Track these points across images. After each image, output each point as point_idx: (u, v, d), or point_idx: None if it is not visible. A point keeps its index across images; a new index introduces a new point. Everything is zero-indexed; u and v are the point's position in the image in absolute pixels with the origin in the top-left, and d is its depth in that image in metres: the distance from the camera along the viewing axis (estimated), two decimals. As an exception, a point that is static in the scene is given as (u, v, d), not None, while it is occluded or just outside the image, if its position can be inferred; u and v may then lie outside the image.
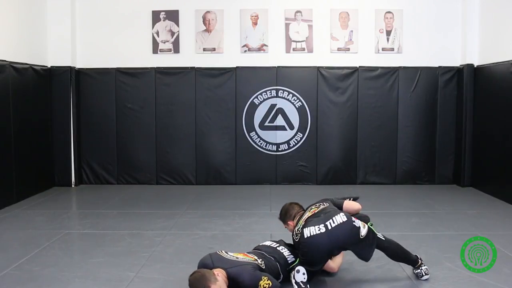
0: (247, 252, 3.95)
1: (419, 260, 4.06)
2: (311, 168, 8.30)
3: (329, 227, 3.74)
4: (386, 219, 6.03)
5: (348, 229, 3.76)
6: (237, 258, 3.76)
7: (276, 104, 8.28)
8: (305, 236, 3.76)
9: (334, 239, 3.73)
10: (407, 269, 4.24)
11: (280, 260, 3.91)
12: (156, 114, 8.27)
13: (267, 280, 3.59)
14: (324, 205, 4.04)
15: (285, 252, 4.00)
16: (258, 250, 4.01)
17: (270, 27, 8.27)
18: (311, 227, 3.77)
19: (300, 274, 3.67)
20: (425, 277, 4.01)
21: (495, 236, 5.03)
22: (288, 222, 4.20)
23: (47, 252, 4.76)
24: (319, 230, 3.74)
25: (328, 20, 8.26)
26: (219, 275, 3.53)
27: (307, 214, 3.98)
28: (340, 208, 4.08)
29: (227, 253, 3.81)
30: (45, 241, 5.10)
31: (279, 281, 3.78)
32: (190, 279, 3.45)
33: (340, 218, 3.79)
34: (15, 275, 4.15)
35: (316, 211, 3.95)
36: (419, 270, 4.03)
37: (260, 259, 3.80)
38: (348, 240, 3.77)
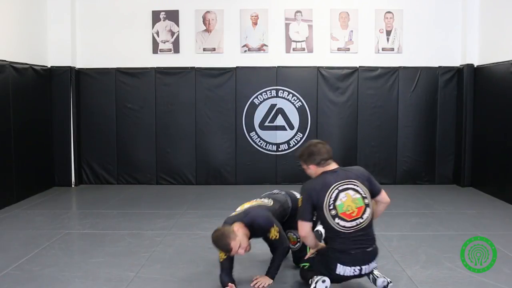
0: (256, 199, 4.14)
1: None
2: (311, 168, 8.28)
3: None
4: (386, 219, 6.02)
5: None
6: (249, 206, 3.94)
7: (276, 104, 8.28)
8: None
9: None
10: (407, 269, 4.25)
11: (290, 195, 4.14)
12: (156, 114, 8.27)
13: (276, 231, 3.73)
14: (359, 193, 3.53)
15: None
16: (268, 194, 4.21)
17: (270, 27, 8.27)
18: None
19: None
20: None
21: (495, 236, 5.03)
22: (310, 166, 3.66)
23: (47, 252, 4.76)
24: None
25: (328, 20, 8.26)
26: (239, 230, 3.68)
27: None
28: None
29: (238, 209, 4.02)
30: (45, 241, 5.10)
31: (287, 217, 4.03)
32: (212, 238, 3.69)
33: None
34: (15, 275, 4.15)
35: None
36: None
37: (268, 199, 4.05)
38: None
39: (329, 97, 8.23)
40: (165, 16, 8.28)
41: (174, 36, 8.31)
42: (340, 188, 3.49)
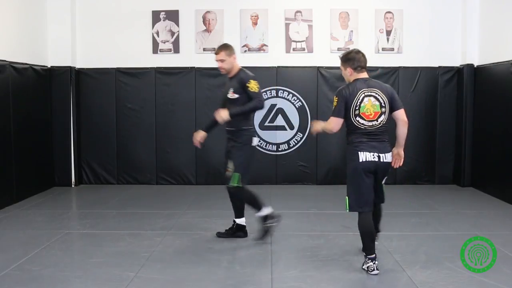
0: None
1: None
2: (311, 168, 8.29)
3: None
4: (386, 219, 5.98)
5: None
6: None
7: (276, 104, 8.28)
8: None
9: None
10: (407, 269, 4.25)
11: None
12: (156, 114, 8.27)
13: (256, 87, 4.86)
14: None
15: None
16: None
17: (270, 27, 8.27)
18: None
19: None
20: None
21: (495, 236, 5.03)
22: (348, 69, 4.35)
23: (47, 252, 4.76)
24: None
25: (328, 20, 8.26)
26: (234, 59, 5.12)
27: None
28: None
29: None
30: (45, 241, 5.09)
31: None
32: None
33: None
34: (15, 275, 4.15)
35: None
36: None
37: None
38: None
39: (329, 97, 8.20)
40: (165, 16, 8.28)
41: (174, 36, 8.31)
42: (365, 94, 4.22)
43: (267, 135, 8.29)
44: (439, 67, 8.18)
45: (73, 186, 8.19)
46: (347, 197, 4.29)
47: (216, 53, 5.08)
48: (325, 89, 8.21)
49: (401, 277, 4.09)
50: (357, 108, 4.21)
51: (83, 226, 5.82)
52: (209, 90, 8.25)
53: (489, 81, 7.53)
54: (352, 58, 4.33)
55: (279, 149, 8.33)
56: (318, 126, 4.57)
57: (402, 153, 4.33)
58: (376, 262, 4.10)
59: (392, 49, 8.27)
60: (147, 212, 6.46)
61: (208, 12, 8.27)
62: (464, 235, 5.13)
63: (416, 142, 8.24)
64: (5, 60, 6.68)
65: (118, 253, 4.76)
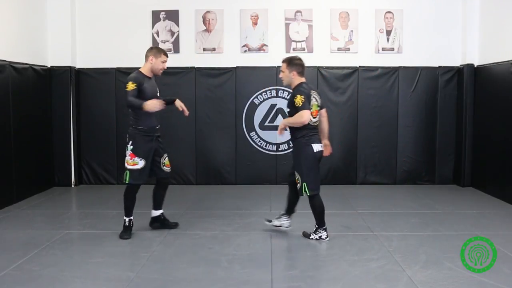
0: None
1: None
2: (311, 168, 8.28)
3: None
4: (386, 219, 6.03)
5: None
6: None
7: (276, 104, 8.27)
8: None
9: None
10: (407, 269, 4.25)
11: None
12: (155, 114, 8.25)
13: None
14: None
15: None
16: None
17: (270, 27, 8.27)
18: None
19: None
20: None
21: (495, 236, 5.03)
22: (294, 72, 4.97)
23: (47, 252, 4.76)
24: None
25: (328, 20, 8.26)
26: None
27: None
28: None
29: None
30: (45, 241, 5.10)
31: None
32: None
33: None
34: (15, 275, 4.15)
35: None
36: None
37: None
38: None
39: (329, 97, 8.22)
40: (165, 16, 8.28)
41: (174, 36, 8.31)
42: (312, 95, 4.98)
43: (267, 135, 8.29)
44: (439, 67, 8.18)
45: (73, 186, 8.19)
46: (305, 183, 4.92)
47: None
48: (325, 89, 8.20)
49: (401, 277, 4.09)
50: (311, 106, 4.92)
51: (83, 226, 5.82)
52: (209, 90, 8.26)
53: (489, 81, 7.53)
54: (299, 64, 5.01)
55: (279, 149, 8.33)
56: (282, 125, 5.09)
57: (328, 143, 5.19)
58: (326, 230, 5.08)
59: (392, 49, 8.27)
60: (147, 212, 6.45)
61: (208, 12, 8.27)
62: (464, 235, 5.13)
63: (416, 142, 8.25)
64: (5, 60, 6.68)
65: (118, 253, 4.76)
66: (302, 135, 4.95)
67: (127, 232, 5.31)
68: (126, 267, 4.35)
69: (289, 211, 5.35)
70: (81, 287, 3.95)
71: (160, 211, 5.65)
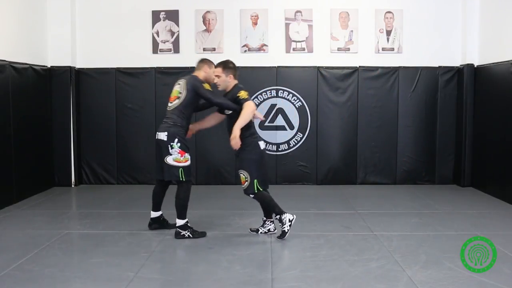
0: None
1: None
2: (311, 168, 8.29)
3: None
4: (386, 219, 6.03)
5: None
6: None
7: (276, 104, 8.28)
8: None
9: None
10: (407, 269, 4.25)
11: None
12: (156, 114, 8.26)
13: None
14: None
15: None
16: None
17: (270, 27, 8.27)
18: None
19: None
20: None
21: (495, 236, 5.03)
22: (230, 75, 5.18)
23: (47, 252, 4.76)
24: None
25: (328, 20, 8.26)
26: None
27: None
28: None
29: None
30: (45, 241, 5.09)
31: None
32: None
33: None
34: (15, 275, 4.15)
35: None
36: None
37: None
38: None
39: (329, 97, 8.23)
40: (165, 16, 8.28)
41: (174, 36, 8.31)
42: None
43: (267, 135, 8.28)
44: (439, 67, 8.18)
45: (73, 186, 8.19)
46: (255, 180, 5.04)
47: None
48: (325, 89, 8.21)
49: (401, 277, 4.09)
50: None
51: (83, 226, 5.82)
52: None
53: (489, 81, 7.53)
54: (234, 68, 5.24)
55: (279, 149, 8.33)
56: (237, 132, 4.91)
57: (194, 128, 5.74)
58: (285, 211, 5.12)
59: (392, 49, 8.27)
60: (147, 212, 6.45)
61: (208, 12, 8.27)
62: (464, 235, 5.13)
63: (416, 142, 8.25)
64: (5, 60, 6.67)
65: (118, 253, 4.76)
66: (250, 133, 5.10)
67: (196, 231, 5.33)
68: (126, 267, 4.35)
69: (268, 214, 5.35)
70: (81, 287, 3.95)
71: (159, 213, 5.64)
